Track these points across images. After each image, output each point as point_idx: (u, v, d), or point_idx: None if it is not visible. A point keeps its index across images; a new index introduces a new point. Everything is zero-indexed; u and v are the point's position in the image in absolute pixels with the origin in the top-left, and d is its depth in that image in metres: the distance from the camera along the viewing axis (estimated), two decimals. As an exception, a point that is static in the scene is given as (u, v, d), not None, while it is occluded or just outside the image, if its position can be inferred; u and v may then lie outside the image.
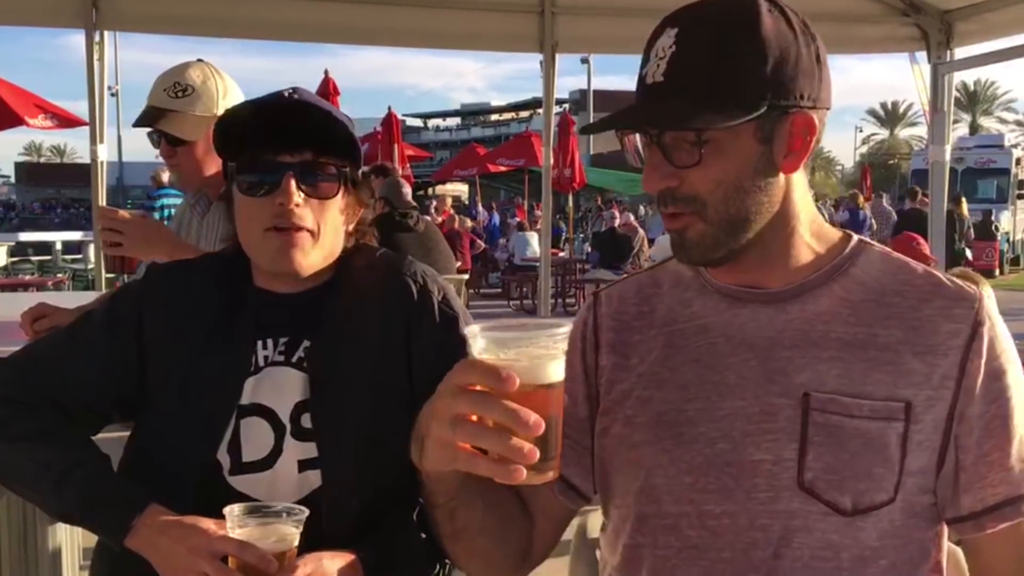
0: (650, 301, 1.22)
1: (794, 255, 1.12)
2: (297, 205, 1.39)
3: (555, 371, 0.90)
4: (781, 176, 1.07)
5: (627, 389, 1.18)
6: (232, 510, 1.23)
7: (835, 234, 1.16)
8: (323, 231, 1.43)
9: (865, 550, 1.06)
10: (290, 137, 1.41)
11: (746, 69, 1.02)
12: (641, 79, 1.08)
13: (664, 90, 1.04)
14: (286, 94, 1.42)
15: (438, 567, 1.49)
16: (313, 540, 1.30)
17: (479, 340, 0.89)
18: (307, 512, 1.24)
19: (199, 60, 2.35)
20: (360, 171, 1.51)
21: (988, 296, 1.12)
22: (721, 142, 1.03)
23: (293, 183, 1.39)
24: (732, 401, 1.10)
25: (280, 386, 1.43)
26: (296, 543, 1.25)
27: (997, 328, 1.08)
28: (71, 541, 2.73)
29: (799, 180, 1.11)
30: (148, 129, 2.26)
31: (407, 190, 6.08)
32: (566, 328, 0.90)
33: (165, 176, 10.66)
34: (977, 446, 1.06)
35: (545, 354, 0.89)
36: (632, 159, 1.14)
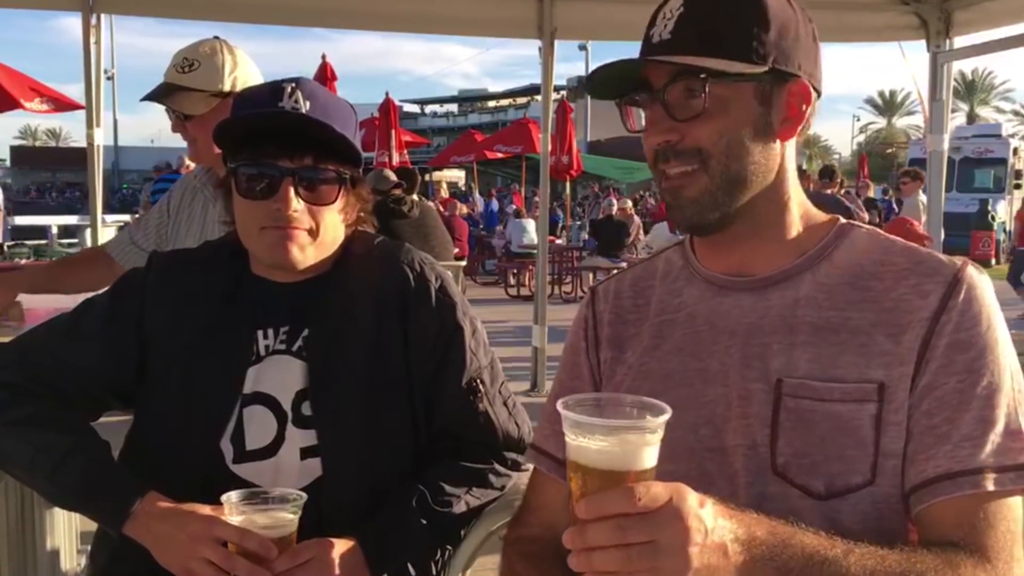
0: (644, 293, 1.24)
1: (782, 233, 1.14)
2: (295, 211, 1.38)
3: (646, 458, 0.89)
4: (778, 143, 1.10)
5: (619, 381, 1.20)
6: (230, 497, 1.23)
7: (821, 217, 1.17)
8: (321, 231, 1.42)
9: (846, 533, 1.03)
10: (290, 141, 1.38)
11: (752, 29, 1.07)
12: (647, 39, 1.12)
13: (671, 44, 1.08)
14: (288, 88, 1.39)
15: (438, 552, 1.50)
16: (315, 526, 1.31)
17: (569, 419, 0.89)
18: (305, 497, 1.24)
19: (215, 37, 2.32)
20: (361, 169, 1.49)
21: (976, 274, 1.07)
22: (723, 97, 1.06)
23: (291, 190, 1.38)
24: (715, 388, 1.11)
25: (281, 375, 1.43)
26: (295, 528, 1.25)
27: (977, 303, 1.04)
28: (70, 526, 2.74)
29: (791, 159, 1.13)
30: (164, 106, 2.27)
31: (388, 173, 6.25)
32: (664, 417, 0.90)
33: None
34: (926, 416, 1.03)
35: (638, 440, 0.89)
36: (630, 124, 1.16)
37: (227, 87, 2.21)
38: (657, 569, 0.85)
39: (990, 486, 1.00)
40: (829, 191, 8.47)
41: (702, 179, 1.08)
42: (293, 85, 1.41)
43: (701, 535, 0.86)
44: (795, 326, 1.09)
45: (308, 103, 1.39)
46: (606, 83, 1.13)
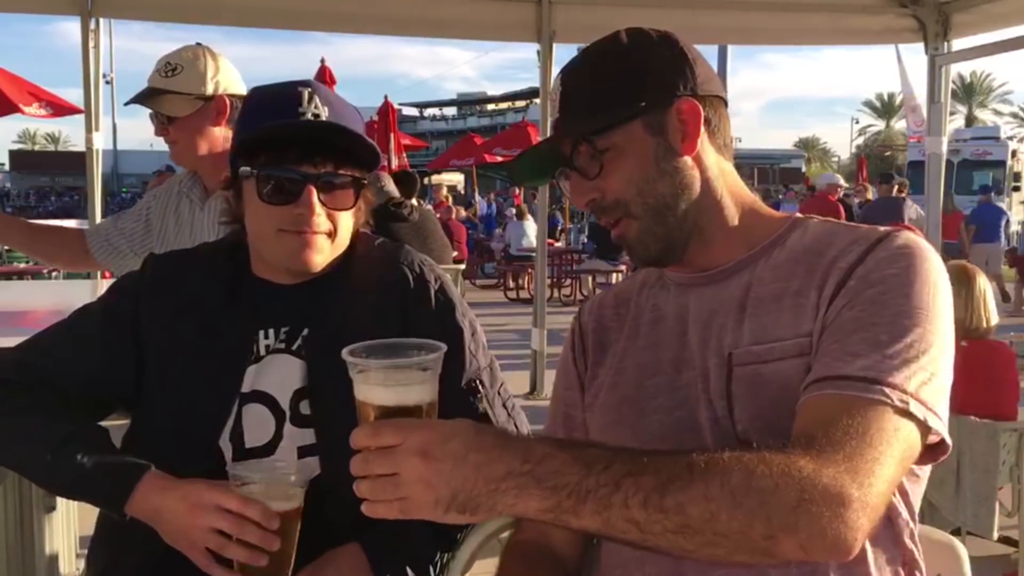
0: (626, 304, 1.33)
1: (725, 225, 1.19)
2: (318, 215, 1.40)
3: (414, 395, 0.98)
4: (686, 158, 1.17)
5: (601, 382, 1.28)
6: (235, 467, 1.25)
7: (773, 214, 1.24)
8: (338, 233, 1.44)
9: None
10: (311, 147, 1.39)
11: (615, 79, 1.17)
12: (552, 123, 1.24)
13: (561, 120, 1.20)
14: (305, 94, 1.39)
15: (436, 555, 1.49)
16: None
17: (348, 361, 1.00)
18: (315, 472, 1.25)
19: (197, 44, 2.38)
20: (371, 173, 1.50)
21: (910, 236, 1.09)
22: (619, 146, 1.15)
23: (315, 196, 1.39)
24: (687, 372, 1.17)
25: (280, 373, 1.43)
26: (300, 504, 1.26)
27: (898, 252, 1.06)
28: (68, 529, 2.74)
29: (713, 162, 1.19)
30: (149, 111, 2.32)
31: (388, 182, 6.20)
32: (432, 356, 1.00)
33: None
34: (822, 344, 1.04)
35: (403, 378, 0.98)
36: (566, 195, 1.26)
37: (210, 91, 2.27)
38: (404, 499, 0.92)
39: (854, 392, 0.96)
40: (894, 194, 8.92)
41: (633, 223, 1.18)
42: (309, 90, 1.41)
43: (443, 471, 0.90)
44: (745, 304, 1.15)
45: (326, 108, 1.41)
46: (530, 172, 1.30)
